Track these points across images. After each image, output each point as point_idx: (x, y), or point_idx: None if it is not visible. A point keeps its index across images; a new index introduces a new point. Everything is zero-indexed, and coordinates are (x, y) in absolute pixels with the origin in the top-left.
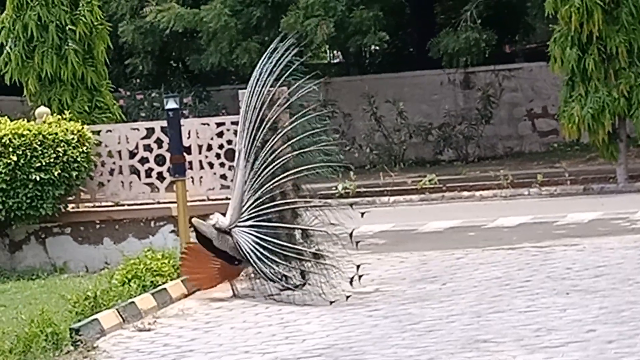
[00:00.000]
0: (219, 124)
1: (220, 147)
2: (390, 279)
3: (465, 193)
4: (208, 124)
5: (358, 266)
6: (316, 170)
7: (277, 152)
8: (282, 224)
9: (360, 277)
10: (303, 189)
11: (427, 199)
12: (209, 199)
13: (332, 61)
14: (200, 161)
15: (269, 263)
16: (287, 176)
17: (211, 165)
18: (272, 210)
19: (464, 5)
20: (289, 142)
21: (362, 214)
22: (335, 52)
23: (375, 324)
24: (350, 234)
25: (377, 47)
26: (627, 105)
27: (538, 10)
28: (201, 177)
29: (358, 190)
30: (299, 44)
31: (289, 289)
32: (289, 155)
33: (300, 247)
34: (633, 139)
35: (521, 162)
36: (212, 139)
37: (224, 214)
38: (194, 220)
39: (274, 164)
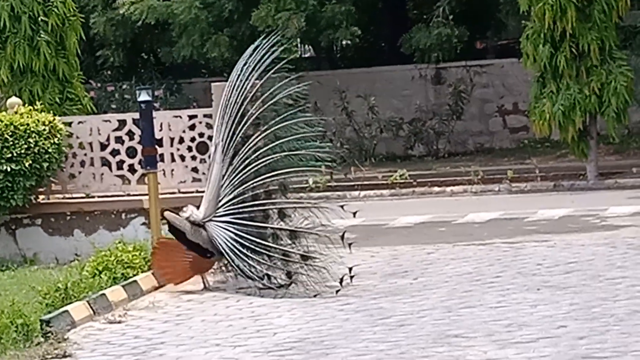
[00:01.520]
0: (191, 117)
1: (192, 140)
2: (361, 273)
3: (436, 188)
4: (180, 117)
5: (350, 268)
6: (305, 173)
7: (262, 151)
8: (267, 224)
9: (352, 277)
10: (290, 189)
11: (398, 194)
12: (180, 192)
13: (303, 55)
14: (172, 154)
15: (249, 261)
16: (273, 176)
17: (183, 158)
18: (256, 209)
19: (436, 1)
20: (277, 142)
21: (354, 213)
22: (306, 46)
23: (346, 318)
24: (342, 236)
25: (349, 42)
26: (598, 103)
27: (510, 7)
28: (172, 170)
29: (328, 184)
30: (282, 41)
31: (270, 288)
32: (277, 155)
33: (287, 249)
34: (603, 137)
35: (492, 158)
36: (184, 131)
37: (197, 207)
38: (166, 213)
39: (257, 162)
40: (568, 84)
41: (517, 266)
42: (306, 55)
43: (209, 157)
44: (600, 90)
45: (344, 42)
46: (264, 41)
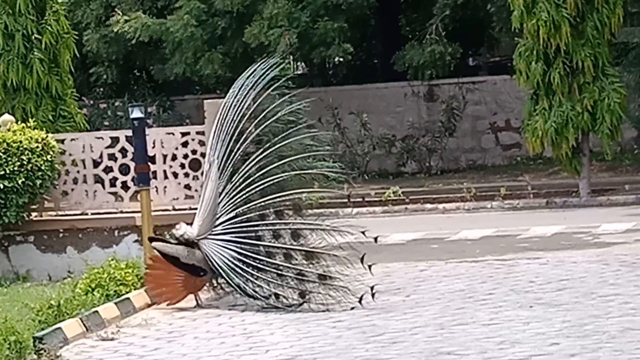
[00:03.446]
0: (183, 134)
1: (185, 156)
2: (353, 290)
3: (429, 205)
4: (173, 134)
5: (372, 287)
6: (316, 193)
7: (267, 169)
8: (278, 244)
9: (373, 295)
10: (303, 209)
11: (390, 211)
12: (173, 209)
13: (295, 72)
14: (165, 171)
15: (253, 279)
16: (283, 196)
17: (175, 175)
18: (264, 228)
19: (429, 18)
20: (285, 161)
21: (375, 239)
22: (298, 63)
23: (339, 335)
24: (362, 259)
25: (342, 59)
26: (591, 120)
27: (503, 24)
28: (165, 187)
29: (321, 201)
30: (279, 61)
31: (276, 307)
32: (286, 174)
33: (303, 268)
34: (596, 154)
35: (484, 175)
36: (176, 148)
37: (189, 224)
38: (155, 244)
39: (264, 181)
40: (560, 101)
41: (510, 283)
42: (299, 72)
43: (202, 174)
44: (593, 107)
45: (336, 59)
46: (262, 61)
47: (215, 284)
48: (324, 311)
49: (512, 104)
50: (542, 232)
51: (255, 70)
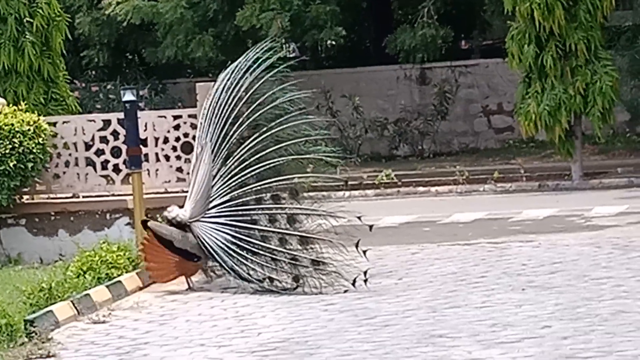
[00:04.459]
0: (175, 117)
1: (177, 139)
2: (346, 275)
3: (421, 188)
4: (165, 117)
5: (365, 272)
6: (314, 178)
7: (263, 154)
8: (273, 228)
9: (365, 280)
10: (300, 194)
11: (383, 194)
12: (165, 192)
13: (287, 56)
14: (157, 154)
15: (247, 263)
16: (280, 180)
17: (167, 157)
18: (260, 212)
19: (421, 1)
20: (281, 145)
21: (370, 227)
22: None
23: (331, 318)
24: (356, 245)
25: (334, 42)
26: (583, 103)
27: (495, 7)
28: (157, 170)
29: (313, 184)
30: (276, 47)
31: (271, 290)
32: (283, 159)
33: (296, 253)
34: (588, 137)
35: (476, 158)
36: (168, 131)
37: (180, 207)
38: (151, 223)
39: (260, 165)
40: (553, 84)
41: (502, 266)
42: (291, 56)
43: (196, 156)
44: (585, 90)
45: (328, 43)
46: (256, 45)
47: (208, 267)
48: (316, 294)
49: (505, 87)
50: (534, 215)
51: (249, 53)
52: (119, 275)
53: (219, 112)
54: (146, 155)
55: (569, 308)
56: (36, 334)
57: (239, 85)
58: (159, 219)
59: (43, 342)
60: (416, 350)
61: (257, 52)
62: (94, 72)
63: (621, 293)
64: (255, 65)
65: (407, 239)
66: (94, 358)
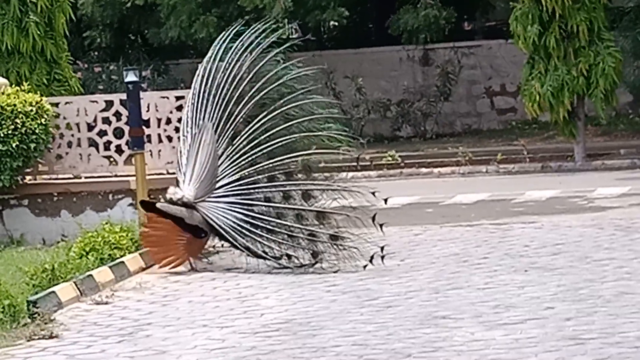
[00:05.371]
0: (178, 98)
1: (179, 120)
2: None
3: (424, 170)
4: (167, 98)
5: (382, 247)
6: (326, 155)
7: (274, 131)
8: (289, 205)
9: (382, 257)
10: (315, 170)
11: (385, 175)
12: (167, 173)
13: (290, 36)
14: (159, 134)
15: (262, 241)
16: (292, 157)
17: (170, 138)
18: (274, 190)
19: None
20: (292, 122)
21: (386, 200)
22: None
23: (333, 299)
24: (373, 218)
25: (336, 23)
26: (586, 84)
27: None
28: (160, 151)
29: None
30: (272, 26)
31: (287, 267)
32: (295, 136)
33: (314, 229)
34: (591, 118)
35: (479, 139)
36: (171, 112)
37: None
38: (159, 204)
39: (271, 144)
40: (556, 65)
41: (505, 247)
42: (293, 36)
43: (192, 137)
44: (588, 71)
45: (331, 23)
46: (253, 25)
47: (219, 246)
48: (319, 274)
49: (508, 69)
50: (537, 197)
51: (248, 32)
52: (121, 256)
53: (220, 92)
54: (149, 136)
55: (571, 289)
56: (39, 314)
57: (239, 64)
58: (162, 200)
59: (46, 323)
60: (419, 331)
61: (254, 33)
62: (96, 53)
63: (624, 274)
64: (254, 45)
65: (409, 220)
66: (97, 339)
